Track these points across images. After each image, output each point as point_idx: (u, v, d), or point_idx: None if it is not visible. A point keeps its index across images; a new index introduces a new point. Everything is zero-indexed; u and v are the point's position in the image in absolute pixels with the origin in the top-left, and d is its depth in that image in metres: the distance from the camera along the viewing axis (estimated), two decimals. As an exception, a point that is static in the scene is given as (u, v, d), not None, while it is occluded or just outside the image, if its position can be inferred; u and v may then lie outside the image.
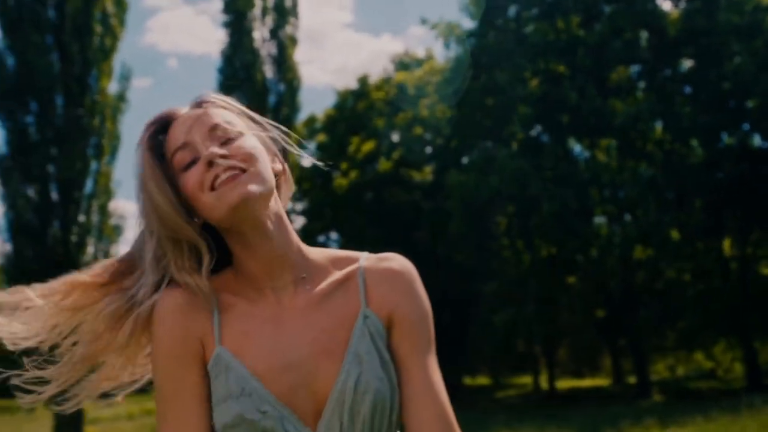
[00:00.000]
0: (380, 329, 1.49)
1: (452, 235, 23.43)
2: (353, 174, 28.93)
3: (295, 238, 1.53)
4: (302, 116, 45.54)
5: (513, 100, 22.08)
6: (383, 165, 28.92)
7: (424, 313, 1.53)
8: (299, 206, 32.58)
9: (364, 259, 1.55)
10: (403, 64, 31.82)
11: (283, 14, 26.26)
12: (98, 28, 20.24)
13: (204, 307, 1.46)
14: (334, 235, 32.50)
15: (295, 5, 26.67)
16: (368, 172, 28.79)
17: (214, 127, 1.45)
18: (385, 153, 29.27)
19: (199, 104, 1.52)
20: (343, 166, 29.51)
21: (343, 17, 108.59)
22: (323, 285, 1.51)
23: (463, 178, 21.96)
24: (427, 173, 28.39)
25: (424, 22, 24.98)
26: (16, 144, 18.76)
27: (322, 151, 31.85)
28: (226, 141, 1.44)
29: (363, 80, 31.53)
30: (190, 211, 1.47)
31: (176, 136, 1.46)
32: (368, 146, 29.08)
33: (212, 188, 1.41)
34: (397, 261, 1.55)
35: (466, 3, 23.57)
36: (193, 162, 1.44)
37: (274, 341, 1.45)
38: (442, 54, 27.80)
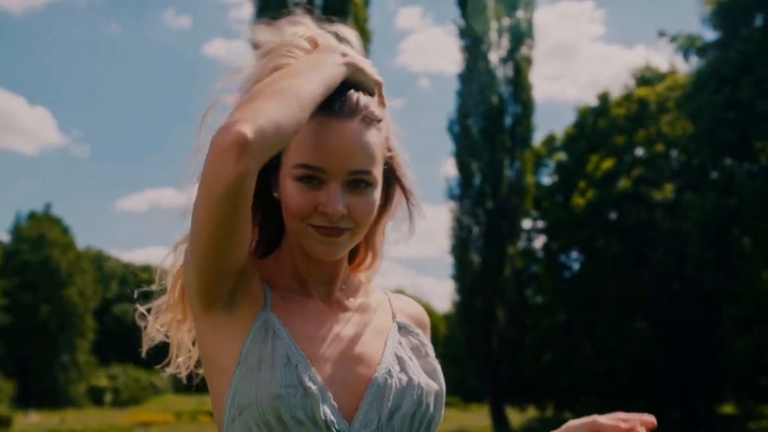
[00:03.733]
0: (423, 338, 1.49)
1: (691, 257, 22.44)
2: (590, 193, 28.52)
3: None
4: (542, 134, 45.37)
5: (759, 114, 20.86)
6: (623, 183, 28.27)
7: None
8: (540, 224, 32.57)
9: (386, 291, 1.58)
10: (644, 79, 30.93)
11: (519, 36, 26.56)
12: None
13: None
14: (574, 254, 32.13)
15: (530, 26, 26.88)
16: (607, 190, 28.25)
17: (357, 174, 1.32)
18: (625, 170, 28.60)
19: (356, 110, 1.35)
20: (581, 184, 29.17)
21: (594, 30, 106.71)
22: (360, 298, 1.49)
23: (700, 198, 21.03)
24: (668, 191, 27.37)
25: (662, 34, 24.21)
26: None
27: (560, 169, 31.66)
28: (356, 186, 1.33)
29: (603, 97, 31.04)
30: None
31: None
32: (607, 164, 28.58)
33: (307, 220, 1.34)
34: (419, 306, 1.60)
35: (707, 14, 22.58)
36: (310, 179, 1.32)
37: (317, 328, 1.38)
38: (686, 67, 26.73)
